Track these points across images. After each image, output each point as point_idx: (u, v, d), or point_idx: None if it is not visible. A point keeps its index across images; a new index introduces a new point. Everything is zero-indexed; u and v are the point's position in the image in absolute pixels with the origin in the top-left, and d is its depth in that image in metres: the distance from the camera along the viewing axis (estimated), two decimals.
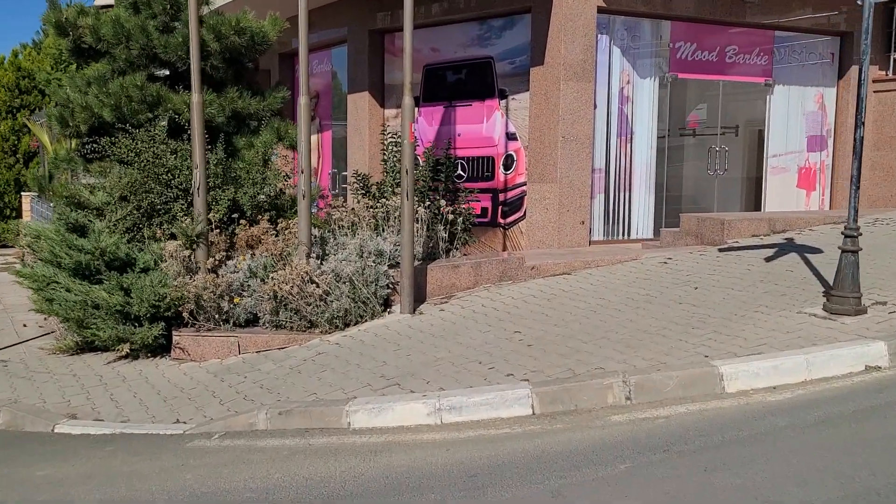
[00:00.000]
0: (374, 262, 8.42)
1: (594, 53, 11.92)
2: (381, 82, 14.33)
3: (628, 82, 12.49)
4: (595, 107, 12.10)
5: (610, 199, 12.51)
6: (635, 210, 12.68)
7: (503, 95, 12.56)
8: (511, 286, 8.93)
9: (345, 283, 8.21)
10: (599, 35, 12.08)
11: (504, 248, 12.60)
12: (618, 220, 12.58)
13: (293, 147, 11.14)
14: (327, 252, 8.80)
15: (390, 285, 8.52)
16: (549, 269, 9.25)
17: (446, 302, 8.62)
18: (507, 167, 12.52)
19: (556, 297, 8.33)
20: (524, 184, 12.27)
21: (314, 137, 16.18)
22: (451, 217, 9.15)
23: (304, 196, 8.26)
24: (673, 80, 12.73)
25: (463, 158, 13.06)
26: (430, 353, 7.13)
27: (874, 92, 13.77)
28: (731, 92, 13.39)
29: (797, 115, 13.66)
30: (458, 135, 13.18)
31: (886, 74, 13.82)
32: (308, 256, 8.31)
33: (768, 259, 8.97)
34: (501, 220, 12.60)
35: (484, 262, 8.98)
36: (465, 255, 9.62)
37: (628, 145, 12.57)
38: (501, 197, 12.61)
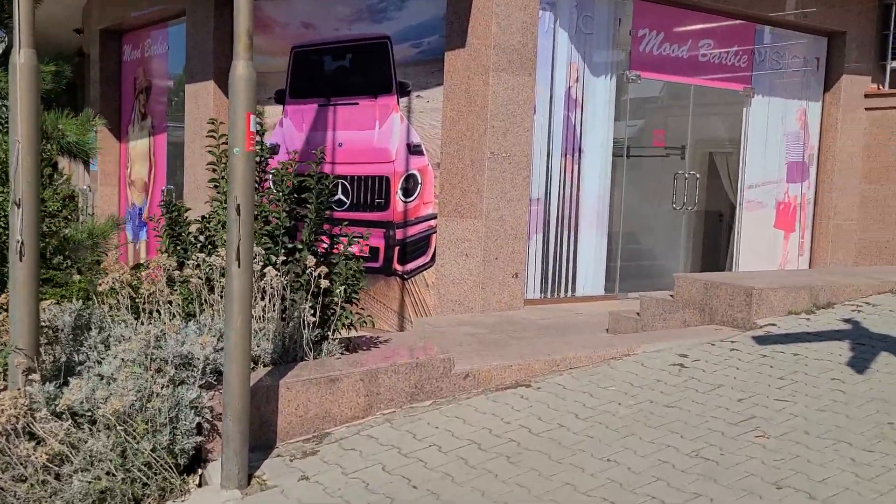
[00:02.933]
0: (170, 381, 4.05)
1: (536, 36, 7.88)
2: None
3: (577, 80, 8.50)
4: (535, 111, 8.06)
5: (550, 242, 8.48)
6: (583, 256, 8.69)
7: (404, 91, 8.36)
8: (433, 415, 4.72)
9: (104, 431, 3.80)
10: (542, 12, 8.06)
11: (402, 307, 8.37)
12: (559, 270, 8.56)
13: (84, 158, 6.60)
14: (82, 360, 4.34)
15: (205, 425, 4.16)
16: (494, 378, 5.08)
17: (315, 452, 4.32)
18: (407, 193, 8.32)
19: (524, 452, 4.15)
20: (432, 217, 8.09)
21: (145, 142, 11.52)
22: (325, 283, 4.87)
23: (20, 252, 3.79)
24: (635, 79, 8.84)
25: (345, 178, 8.77)
26: None
27: (866, 109, 10.30)
28: (703, 101, 9.63)
29: (776, 134, 10.02)
30: (340, 145, 8.88)
31: (880, 88, 10.40)
32: (27, 376, 3.85)
33: (854, 364, 5.10)
34: (399, 267, 8.38)
35: (384, 370, 4.72)
36: (348, 346, 5.36)
37: (576, 167, 8.58)
38: (399, 234, 8.39)
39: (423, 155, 8.16)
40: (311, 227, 5.36)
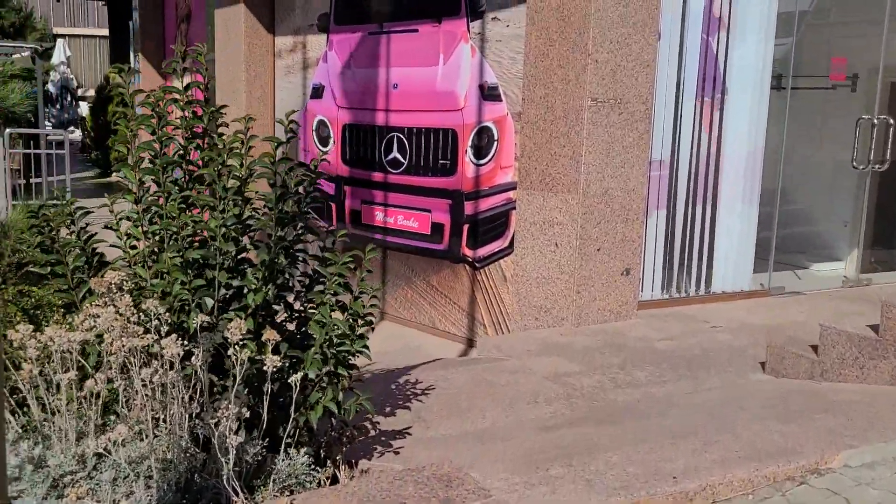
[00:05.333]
0: None
1: None
2: None
3: None
4: (659, 37, 5.44)
5: (677, 220, 5.93)
6: (723, 238, 6.10)
7: (476, 12, 5.88)
8: None
9: None
10: None
11: (472, 306, 6.08)
12: (690, 258, 6.03)
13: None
14: None
15: None
16: None
17: None
18: (479, 152, 5.91)
19: None
20: (512, 186, 5.68)
21: (187, 79, 9.45)
22: (273, 361, 2.61)
23: None
24: None
25: (401, 130, 6.45)
26: None
27: None
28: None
29: None
30: (395, 86, 6.53)
31: None
32: None
33: None
34: (468, 251, 6.05)
35: None
36: (339, 437, 3.16)
37: (716, 114, 5.93)
38: (469, 208, 6.03)
39: (501, 101, 5.71)
40: (266, 257, 3.07)
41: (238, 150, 3.16)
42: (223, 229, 2.97)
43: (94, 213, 3.29)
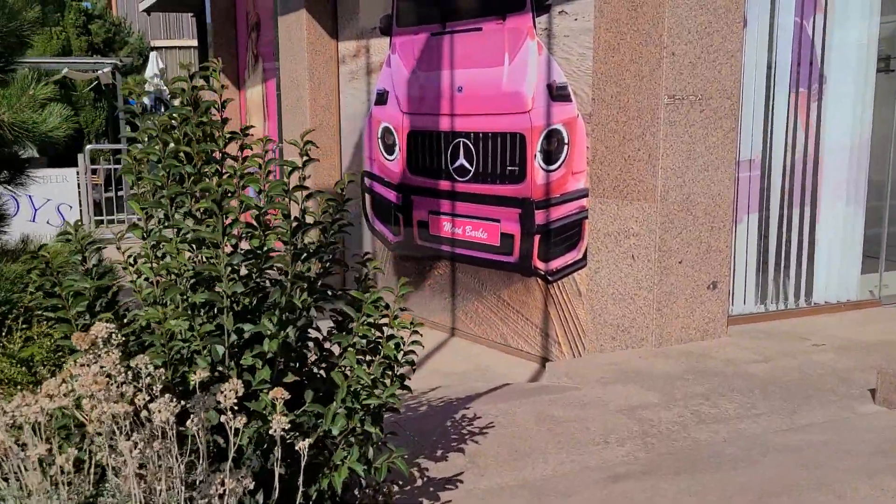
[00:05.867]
0: None
1: None
2: None
3: None
4: (745, 24, 4.84)
5: (771, 225, 5.31)
6: (823, 243, 5.44)
7: (542, 6, 5.42)
8: None
9: None
10: None
11: (546, 322, 5.61)
12: (787, 266, 5.40)
13: (30, 143, 4.26)
14: None
15: None
16: None
17: None
18: (549, 157, 5.44)
19: None
20: (584, 194, 5.19)
21: (258, 90, 9.33)
22: (280, 423, 2.24)
23: None
24: None
25: (468, 136, 6.04)
26: None
27: None
28: None
29: None
30: (459, 89, 6.12)
31: None
32: None
33: None
34: (540, 264, 5.59)
35: None
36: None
37: (814, 105, 5.28)
38: (540, 217, 5.57)
39: (571, 101, 5.22)
40: (278, 298, 2.70)
41: (255, 176, 2.82)
42: (228, 269, 2.63)
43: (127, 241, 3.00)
